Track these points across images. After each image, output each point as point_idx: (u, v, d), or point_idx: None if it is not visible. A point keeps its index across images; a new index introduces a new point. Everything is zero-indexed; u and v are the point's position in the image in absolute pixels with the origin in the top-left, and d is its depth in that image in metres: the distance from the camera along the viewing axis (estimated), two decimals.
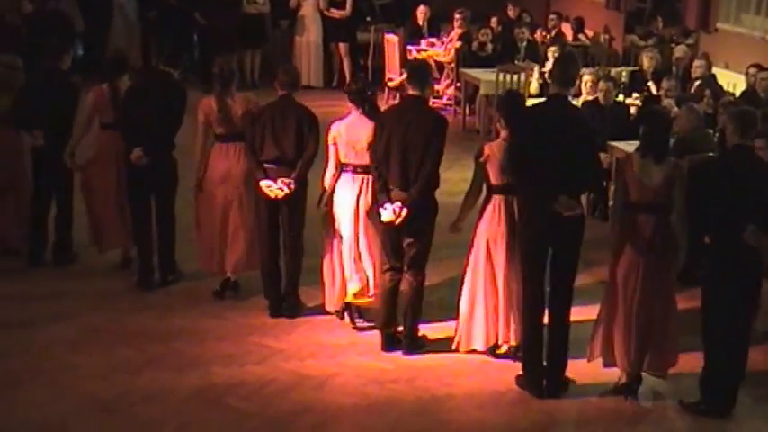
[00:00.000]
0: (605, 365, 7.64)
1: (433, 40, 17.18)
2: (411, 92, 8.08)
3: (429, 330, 8.43)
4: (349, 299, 8.54)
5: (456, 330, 8.18)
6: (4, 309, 8.84)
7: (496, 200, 7.89)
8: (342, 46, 18.15)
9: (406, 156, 7.86)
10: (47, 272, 9.65)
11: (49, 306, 8.89)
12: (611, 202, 7.69)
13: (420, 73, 8.18)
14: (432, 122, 7.99)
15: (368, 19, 18.98)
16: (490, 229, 7.89)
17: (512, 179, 7.67)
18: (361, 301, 8.53)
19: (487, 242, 7.91)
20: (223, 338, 8.34)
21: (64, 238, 9.83)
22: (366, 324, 8.59)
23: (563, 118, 7.42)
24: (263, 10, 18.16)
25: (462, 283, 8.12)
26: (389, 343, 8.22)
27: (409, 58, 16.83)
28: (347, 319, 8.60)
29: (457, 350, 8.16)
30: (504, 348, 8.10)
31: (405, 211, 7.86)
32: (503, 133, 7.86)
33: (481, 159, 7.92)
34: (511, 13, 18.05)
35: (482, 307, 7.99)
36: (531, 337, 7.60)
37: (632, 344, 7.46)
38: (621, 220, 7.51)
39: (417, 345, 8.22)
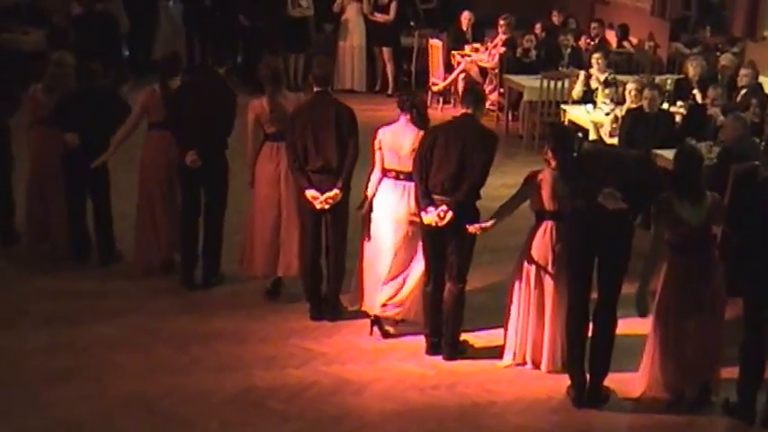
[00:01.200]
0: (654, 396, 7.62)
1: (476, 45, 17.17)
2: (465, 110, 8.17)
3: (470, 336, 8.43)
4: (377, 311, 8.52)
5: (505, 344, 8.19)
6: (51, 306, 8.92)
7: (548, 225, 7.85)
8: (385, 50, 18.17)
9: (456, 169, 7.88)
10: (91, 270, 9.72)
11: (93, 305, 8.97)
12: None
13: (476, 95, 8.33)
14: (485, 139, 8.06)
15: (411, 24, 18.97)
16: (540, 253, 7.86)
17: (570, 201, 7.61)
18: (390, 314, 8.52)
19: (537, 267, 7.88)
20: (264, 341, 8.37)
21: (105, 237, 9.89)
22: (393, 331, 8.61)
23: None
24: (306, 13, 18.19)
25: (510, 304, 8.10)
26: (435, 348, 8.23)
27: (453, 63, 16.86)
28: (376, 331, 8.58)
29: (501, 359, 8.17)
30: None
31: (449, 214, 7.85)
32: (552, 163, 7.79)
33: (533, 182, 7.84)
34: (555, 19, 18.00)
35: (526, 324, 8.01)
36: (574, 349, 7.58)
37: (681, 373, 7.46)
38: (665, 256, 7.44)
39: (458, 350, 8.22)
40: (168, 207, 9.54)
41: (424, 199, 7.97)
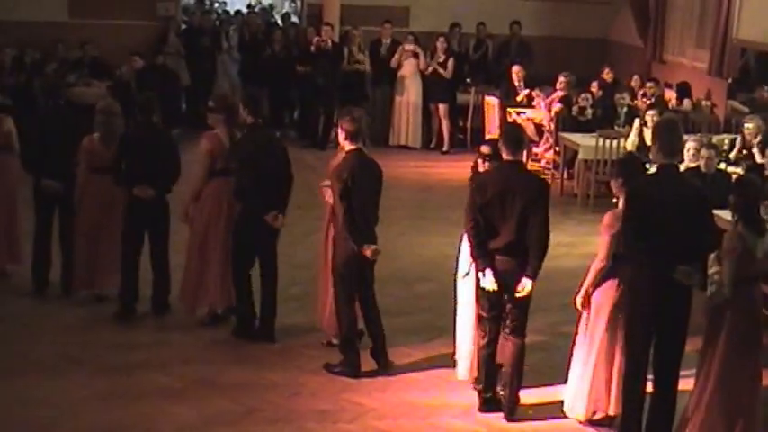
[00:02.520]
0: None
1: (536, 92, 17.14)
2: (506, 156, 7.96)
3: (522, 394, 8.40)
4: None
5: (567, 395, 8.13)
6: (106, 355, 9.02)
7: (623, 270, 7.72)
8: (441, 107, 18.29)
9: (512, 221, 7.81)
10: (146, 321, 9.83)
11: (148, 354, 9.06)
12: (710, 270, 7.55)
13: (514, 136, 8.07)
14: (537, 186, 7.98)
15: (468, 80, 19.10)
16: (615, 298, 7.77)
17: (625, 250, 7.49)
18: None
19: (610, 312, 7.78)
20: (317, 394, 8.38)
21: (163, 287, 9.99)
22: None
23: (677, 187, 7.33)
24: (363, 69, 18.39)
25: (573, 348, 8.07)
26: (488, 405, 8.19)
27: (509, 120, 16.91)
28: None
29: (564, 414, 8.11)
30: (599, 415, 8.01)
31: (529, 284, 7.87)
32: (622, 198, 7.72)
33: (614, 231, 7.69)
34: (607, 76, 17.93)
35: (590, 375, 7.92)
36: (631, 410, 7.49)
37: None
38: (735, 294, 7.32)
39: (518, 410, 8.16)
40: (223, 256, 9.61)
41: (484, 260, 7.91)
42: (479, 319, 8.19)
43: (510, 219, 7.80)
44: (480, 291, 8.03)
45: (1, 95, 15.96)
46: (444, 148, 18.03)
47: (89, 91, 17.13)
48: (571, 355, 8.09)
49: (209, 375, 8.68)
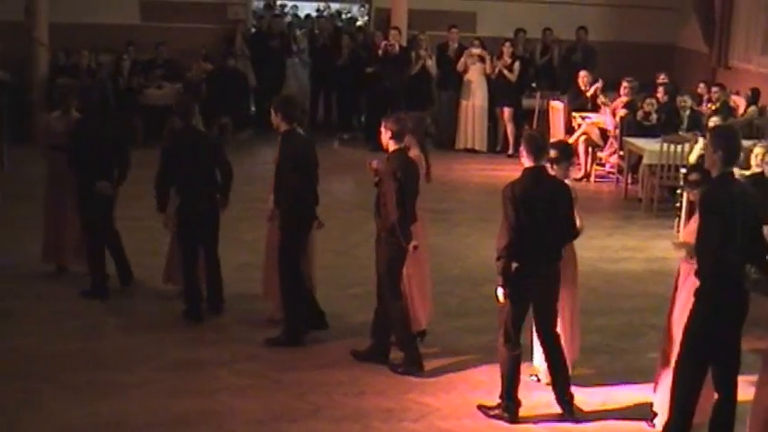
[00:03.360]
0: None
1: (598, 83, 17.13)
2: (530, 163, 7.96)
3: (587, 396, 8.48)
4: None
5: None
6: (173, 351, 9.23)
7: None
8: (506, 111, 18.37)
9: (546, 229, 7.88)
10: (210, 319, 10.00)
11: (214, 351, 9.24)
12: None
13: (538, 143, 8.09)
14: (565, 191, 8.07)
15: (533, 85, 19.16)
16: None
17: (699, 257, 7.30)
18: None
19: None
20: (382, 393, 8.49)
21: (218, 286, 10.16)
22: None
23: (739, 195, 7.27)
24: (430, 72, 18.50)
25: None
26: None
27: (573, 125, 16.96)
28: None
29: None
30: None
31: None
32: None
33: None
34: (662, 81, 17.66)
35: None
36: (682, 420, 7.42)
37: None
38: None
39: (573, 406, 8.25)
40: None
41: (520, 274, 7.91)
42: None
43: (546, 225, 7.88)
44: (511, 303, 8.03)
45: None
46: (509, 152, 18.09)
47: (161, 93, 17.45)
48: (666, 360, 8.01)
49: (276, 373, 8.83)
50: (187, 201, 9.82)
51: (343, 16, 23.13)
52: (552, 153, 8.36)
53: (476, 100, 18.50)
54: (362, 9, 22.07)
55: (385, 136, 8.88)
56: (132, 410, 8.05)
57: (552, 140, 9.25)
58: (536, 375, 8.73)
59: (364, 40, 19.77)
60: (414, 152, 9.17)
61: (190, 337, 9.56)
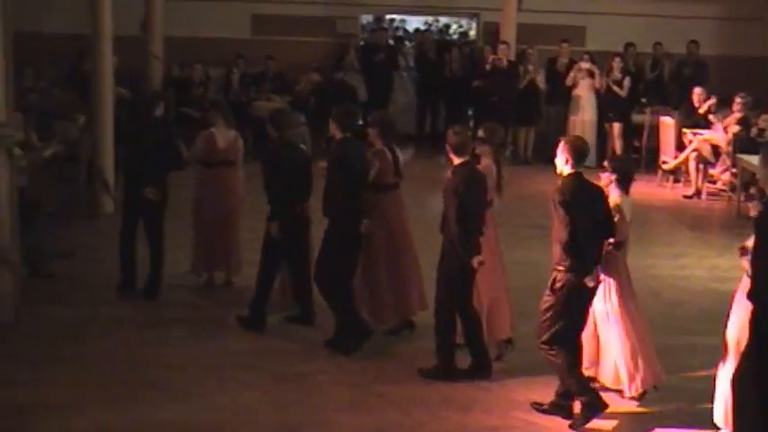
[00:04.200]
0: None
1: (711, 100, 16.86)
2: (571, 169, 7.99)
3: None
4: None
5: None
6: (278, 362, 9.30)
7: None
8: (616, 126, 18.20)
9: (594, 232, 7.94)
10: (307, 332, 10.02)
11: (320, 364, 9.28)
12: None
13: (581, 149, 8.11)
14: (604, 195, 8.14)
15: (643, 100, 18.94)
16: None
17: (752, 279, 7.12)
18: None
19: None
20: (488, 411, 8.42)
21: (309, 297, 10.17)
22: None
23: None
24: (539, 86, 18.42)
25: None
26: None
27: (684, 141, 16.71)
28: None
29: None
30: None
31: None
32: None
33: None
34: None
35: None
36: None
37: None
38: None
39: None
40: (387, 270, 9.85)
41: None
42: None
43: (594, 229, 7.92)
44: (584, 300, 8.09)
45: (192, 109, 16.62)
46: None
47: (270, 105, 17.62)
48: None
49: (382, 387, 8.82)
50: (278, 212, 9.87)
51: (452, 30, 23.12)
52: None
53: (585, 115, 18.35)
54: (471, 23, 22.06)
55: (448, 150, 8.86)
56: (236, 420, 8.12)
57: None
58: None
59: (472, 53, 19.75)
60: (485, 162, 9.15)
61: (293, 349, 9.61)
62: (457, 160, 8.78)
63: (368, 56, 19.51)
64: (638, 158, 18.14)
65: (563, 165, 8.03)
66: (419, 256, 9.92)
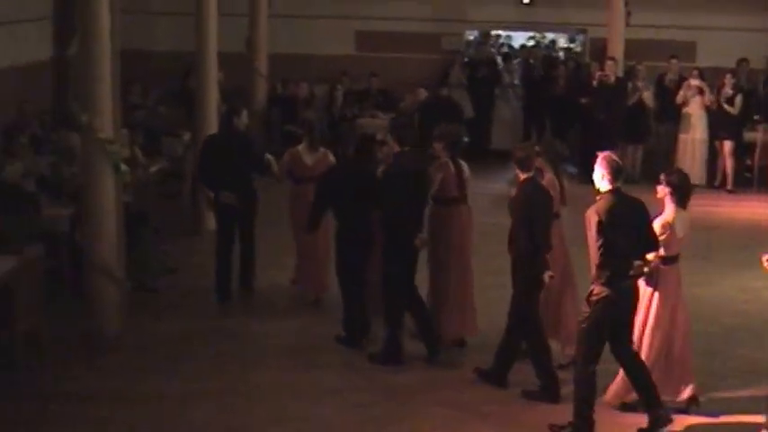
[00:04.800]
0: None
1: None
2: (610, 185, 7.99)
3: None
4: None
5: None
6: (384, 372, 9.32)
7: None
8: (727, 144, 17.73)
9: (630, 246, 7.97)
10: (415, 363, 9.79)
11: (420, 380, 9.27)
12: None
13: (616, 165, 8.05)
14: (644, 209, 8.10)
15: (756, 117, 18.44)
16: None
17: None
18: None
19: None
20: None
21: (431, 334, 9.89)
22: None
23: None
24: (648, 104, 18.08)
25: None
26: None
27: None
28: None
29: None
30: None
31: None
32: None
33: None
34: None
35: None
36: None
37: None
38: None
39: None
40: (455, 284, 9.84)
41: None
42: None
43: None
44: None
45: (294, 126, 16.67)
46: (729, 187, 17.47)
47: (374, 122, 17.61)
48: None
49: (482, 406, 8.74)
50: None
51: (558, 46, 22.88)
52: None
53: (695, 133, 17.91)
54: (578, 39, 21.80)
55: (515, 166, 8.88)
56: None
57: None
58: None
59: (578, 70, 19.49)
60: (547, 176, 9.17)
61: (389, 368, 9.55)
62: (522, 176, 8.79)
63: (473, 72, 19.38)
64: (751, 177, 17.71)
65: (600, 180, 8.06)
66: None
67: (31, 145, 12.81)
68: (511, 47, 22.19)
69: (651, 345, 8.43)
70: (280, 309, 11.16)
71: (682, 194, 8.44)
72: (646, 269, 8.18)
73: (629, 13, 17.92)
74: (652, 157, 17.89)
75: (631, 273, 7.97)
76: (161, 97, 17.11)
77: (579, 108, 18.10)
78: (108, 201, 9.82)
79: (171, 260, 12.28)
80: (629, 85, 18.01)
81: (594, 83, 17.84)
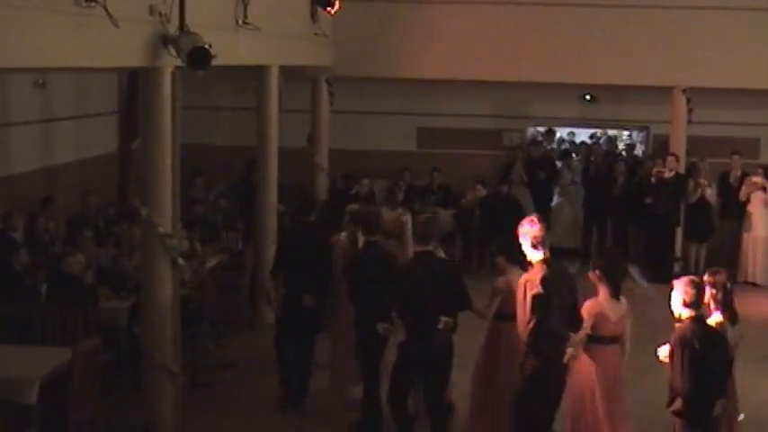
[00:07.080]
0: None
1: None
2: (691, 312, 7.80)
3: None
4: None
5: None
6: None
7: None
8: None
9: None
10: None
11: None
12: None
13: (697, 286, 7.88)
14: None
15: None
16: None
17: None
18: None
19: None
20: None
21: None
22: None
23: None
24: (710, 201, 17.86)
25: None
26: None
27: None
28: None
29: None
30: None
31: None
32: None
33: None
34: None
35: None
36: None
37: None
38: None
39: None
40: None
41: None
42: None
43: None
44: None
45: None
46: None
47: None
48: None
49: None
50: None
51: (619, 142, 22.75)
52: None
53: (758, 231, 17.67)
54: (640, 135, 21.68)
55: (526, 247, 8.65)
56: None
57: None
58: None
59: (635, 166, 19.32)
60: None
61: None
62: (537, 257, 8.61)
63: (533, 169, 19.22)
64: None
65: (680, 308, 7.78)
66: None
67: (94, 237, 12.93)
68: (573, 143, 22.10)
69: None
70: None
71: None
72: None
73: (691, 110, 17.82)
74: (716, 255, 17.60)
75: None
76: (222, 191, 17.22)
77: (640, 206, 17.92)
78: (166, 295, 9.84)
79: (228, 355, 12.24)
80: (691, 182, 17.83)
81: (652, 179, 17.68)
